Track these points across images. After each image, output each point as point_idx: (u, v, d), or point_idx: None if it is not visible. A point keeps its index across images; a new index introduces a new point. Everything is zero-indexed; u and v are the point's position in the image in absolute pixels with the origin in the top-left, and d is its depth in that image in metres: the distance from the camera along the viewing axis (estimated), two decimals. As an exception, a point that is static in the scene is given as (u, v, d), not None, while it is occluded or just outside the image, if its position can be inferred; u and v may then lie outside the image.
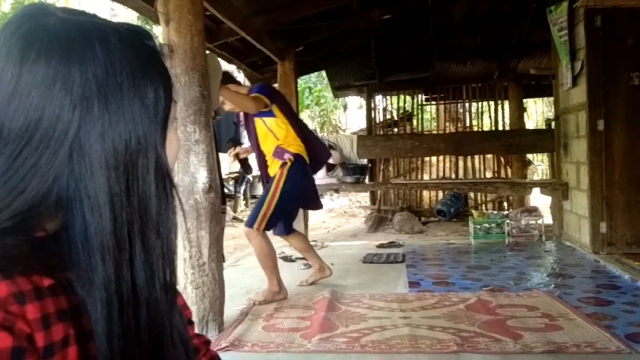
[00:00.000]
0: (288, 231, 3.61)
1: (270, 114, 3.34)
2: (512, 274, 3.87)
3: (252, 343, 2.55)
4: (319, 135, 8.27)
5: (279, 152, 3.34)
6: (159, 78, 0.56)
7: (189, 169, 2.55)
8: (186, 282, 2.61)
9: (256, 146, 3.46)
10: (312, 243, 5.26)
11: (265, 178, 3.51)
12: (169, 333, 0.55)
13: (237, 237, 6.53)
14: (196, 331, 0.89)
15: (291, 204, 3.46)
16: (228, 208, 8.20)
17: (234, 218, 8.02)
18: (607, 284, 3.49)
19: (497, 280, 3.68)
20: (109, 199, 0.50)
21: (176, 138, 0.62)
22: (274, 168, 3.38)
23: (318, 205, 3.85)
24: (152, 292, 0.52)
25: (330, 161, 5.25)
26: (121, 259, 0.50)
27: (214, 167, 2.64)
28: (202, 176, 2.56)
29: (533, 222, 5.36)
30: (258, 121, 3.37)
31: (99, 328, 0.49)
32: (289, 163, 3.32)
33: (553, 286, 3.51)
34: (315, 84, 13.01)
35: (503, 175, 7.17)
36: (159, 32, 2.73)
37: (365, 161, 6.26)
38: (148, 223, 0.52)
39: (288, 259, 4.57)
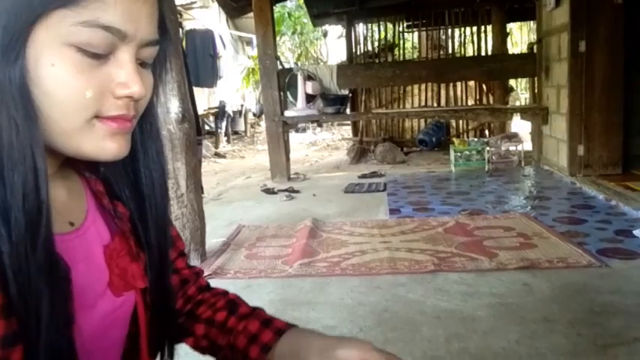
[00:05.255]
0: None
1: None
2: (491, 198, 3.94)
3: (235, 271, 2.59)
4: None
5: None
6: None
7: (161, 99, 2.47)
8: (166, 214, 2.60)
9: None
10: (293, 176, 5.29)
11: None
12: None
13: (219, 172, 6.51)
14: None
15: None
16: (209, 143, 8.12)
17: (216, 154, 7.96)
18: (582, 204, 3.57)
19: (476, 205, 3.74)
20: None
21: (67, 66, 0.47)
22: None
23: None
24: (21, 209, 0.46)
25: (310, 92, 5.16)
26: None
27: (186, 96, 2.56)
28: (174, 106, 2.48)
29: (513, 148, 5.40)
30: None
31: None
32: None
33: (530, 207, 3.58)
34: (293, 12, 12.50)
35: (485, 102, 7.13)
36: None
37: (346, 92, 6.16)
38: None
39: (270, 191, 4.58)
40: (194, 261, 2.68)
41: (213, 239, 3.10)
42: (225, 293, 0.81)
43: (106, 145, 0.52)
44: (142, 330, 0.64)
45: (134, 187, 0.63)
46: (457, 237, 2.94)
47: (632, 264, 2.41)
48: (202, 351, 0.77)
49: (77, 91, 0.48)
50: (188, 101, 2.61)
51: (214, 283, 0.82)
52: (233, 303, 0.78)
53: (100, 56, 0.49)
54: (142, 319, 0.63)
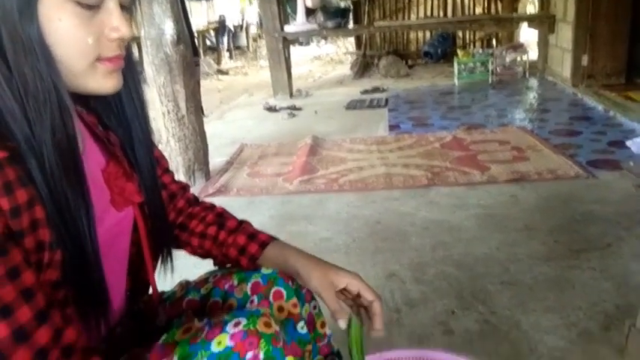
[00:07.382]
0: None
1: None
2: (491, 111, 3.96)
3: (238, 189, 2.72)
4: None
5: None
6: None
7: (155, 21, 2.46)
8: (168, 135, 2.69)
9: None
10: (296, 93, 5.29)
11: None
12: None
13: (222, 90, 6.50)
14: (184, 180, 0.99)
15: None
16: (211, 60, 8.00)
17: (219, 71, 7.88)
18: (580, 116, 3.59)
19: (476, 119, 3.78)
20: None
21: (71, 19, 0.57)
22: None
23: None
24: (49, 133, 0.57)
25: (309, 5, 5.01)
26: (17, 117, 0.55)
27: (180, 17, 2.54)
28: (169, 27, 2.48)
29: (519, 58, 5.30)
30: None
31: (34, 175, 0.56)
32: None
33: (528, 120, 3.61)
34: None
35: (493, 11, 6.87)
36: None
37: (347, 3, 5.96)
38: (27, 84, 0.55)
39: (272, 109, 4.62)
40: (199, 179, 2.81)
41: (217, 158, 3.21)
42: (212, 207, 0.93)
43: (106, 81, 0.64)
44: (142, 238, 0.76)
45: (120, 117, 0.73)
46: (453, 152, 3.02)
47: (619, 174, 2.50)
48: (200, 256, 0.92)
49: (81, 40, 0.59)
50: (182, 22, 2.59)
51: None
52: (221, 217, 0.91)
53: (92, 7, 0.59)
54: (141, 229, 0.76)
